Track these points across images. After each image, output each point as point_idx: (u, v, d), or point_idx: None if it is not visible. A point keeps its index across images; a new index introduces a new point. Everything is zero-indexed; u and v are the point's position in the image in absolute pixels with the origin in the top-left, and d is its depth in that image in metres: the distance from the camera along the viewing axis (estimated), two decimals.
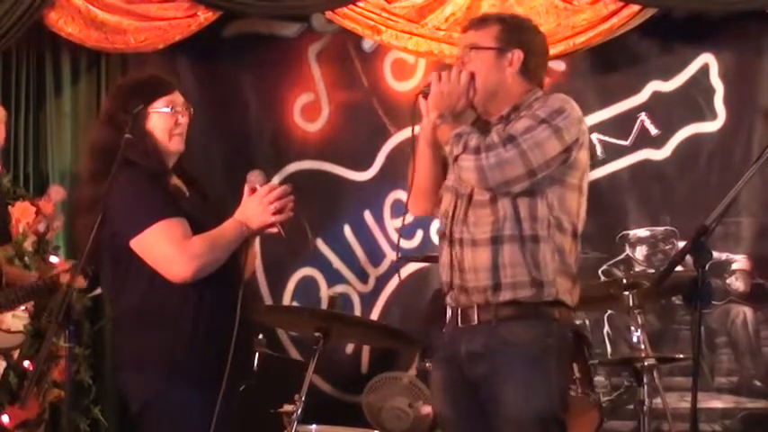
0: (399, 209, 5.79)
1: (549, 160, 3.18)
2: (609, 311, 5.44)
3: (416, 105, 3.37)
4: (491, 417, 3.21)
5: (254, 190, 3.38)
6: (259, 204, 3.34)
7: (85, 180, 3.44)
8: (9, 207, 4.93)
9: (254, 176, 3.41)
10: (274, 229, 3.38)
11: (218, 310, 3.33)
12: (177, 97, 3.48)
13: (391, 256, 5.77)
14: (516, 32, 3.34)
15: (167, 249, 3.25)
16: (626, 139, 5.58)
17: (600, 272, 5.50)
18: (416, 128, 3.43)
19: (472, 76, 3.29)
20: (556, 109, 3.23)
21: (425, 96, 3.33)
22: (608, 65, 5.63)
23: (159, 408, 3.28)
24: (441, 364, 3.41)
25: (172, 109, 3.44)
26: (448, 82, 3.28)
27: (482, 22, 3.40)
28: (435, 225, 5.73)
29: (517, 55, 3.31)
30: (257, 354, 4.56)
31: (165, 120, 3.44)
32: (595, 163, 5.41)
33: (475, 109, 3.35)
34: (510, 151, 3.14)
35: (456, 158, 3.20)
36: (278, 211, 3.36)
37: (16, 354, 5.10)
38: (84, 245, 3.17)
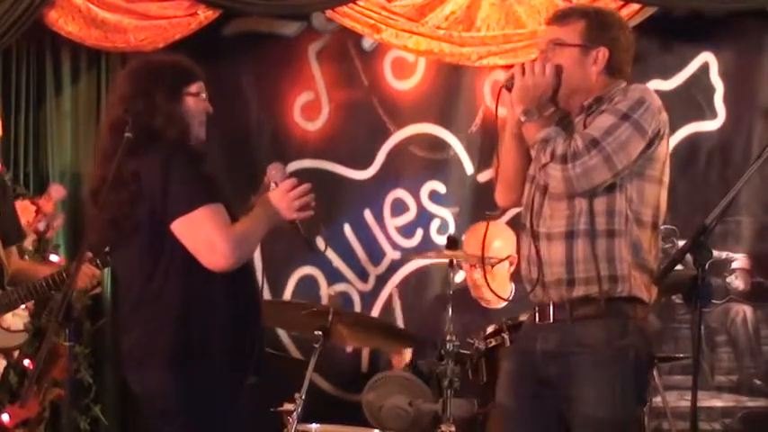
0: (399, 207, 5.80)
1: (634, 159, 3.17)
2: None
3: (498, 98, 3.33)
4: (564, 417, 3.19)
5: (276, 185, 3.31)
6: (283, 199, 3.28)
7: (106, 158, 3.25)
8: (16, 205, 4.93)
9: (275, 170, 3.35)
10: (303, 214, 3.30)
11: (245, 300, 3.28)
12: (202, 86, 3.42)
13: (391, 255, 5.77)
14: (602, 29, 3.27)
15: (213, 234, 3.11)
16: None
17: None
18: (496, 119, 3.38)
19: (558, 69, 3.23)
20: (636, 100, 3.19)
21: (509, 89, 3.27)
22: None
23: (188, 405, 3.18)
24: (514, 358, 3.41)
25: (202, 95, 3.39)
26: (532, 75, 3.21)
27: (566, 16, 3.32)
28: (435, 224, 5.76)
29: (602, 53, 3.25)
30: None
31: (198, 105, 3.38)
32: None
33: (557, 102, 3.29)
34: (595, 158, 3.11)
35: (543, 166, 3.17)
36: (301, 208, 3.31)
37: (16, 353, 5.10)
38: (100, 225, 3.12)
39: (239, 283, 3.24)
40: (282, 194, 3.29)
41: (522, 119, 3.23)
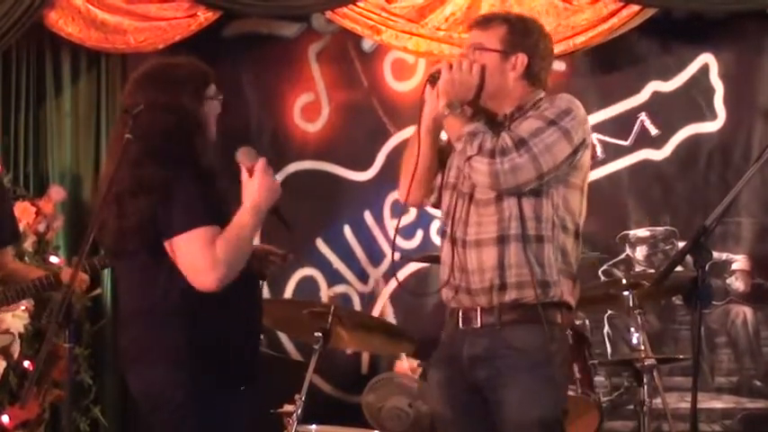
0: (399, 209, 5.79)
1: (559, 164, 3.18)
2: (609, 312, 5.44)
3: (423, 92, 3.34)
4: (493, 419, 3.20)
5: (250, 170, 3.24)
6: (263, 181, 3.23)
7: (143, 160, 3.19)
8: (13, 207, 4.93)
9: (245, 154, 3.24)
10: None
11: (243, 308, 3.27)
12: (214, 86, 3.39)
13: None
14: (522, 36, 3.31)
15: (196, 258, 3.12)
16: (626, 140, 5.58)
17: (600, 272, 5.50)
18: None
19: (483, 69, 3.26)
20: (563, 109, 3.22)
21: (433, 83, 3.30)
22: (608, 65, 5.63)
23: (186, 405, 3.19)
24: (440, 365, 3.40)
25: (218, 96, 3.35)
26: (460, 71, 3.25)
27: (488, 21, 3.37)
28: (436, 225, 5.76)
29: (521, 59, 3.28)
30: None
31: (215, 108, 3.34)
32: (595, 163, 5.41)
33: (477, 104, 3.31)
34: (523, 156, 3.13)
35: (469, 158, 3.19)
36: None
37: (16, 354, 5.10)
38: (117, 229, 3.12)
39: (240, 292, 3.24)
40: (261, 177, 3.23)
41: (446, 112, 3.25)
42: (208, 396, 3.18)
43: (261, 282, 3.42)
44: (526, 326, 3.19)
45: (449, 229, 3.31)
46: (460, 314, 3.29)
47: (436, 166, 3.40)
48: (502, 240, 3.20)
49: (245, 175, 3.26)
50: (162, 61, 3.44)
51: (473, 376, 3.23)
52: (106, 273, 5.31)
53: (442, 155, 3.39)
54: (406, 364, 5.08)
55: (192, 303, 3.17)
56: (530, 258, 3.17)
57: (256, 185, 3.23)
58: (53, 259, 5.30)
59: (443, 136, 3.39)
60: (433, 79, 3.31)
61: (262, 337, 4.66)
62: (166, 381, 3.18)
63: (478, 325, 3.24)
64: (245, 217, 3.21)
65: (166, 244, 3.16)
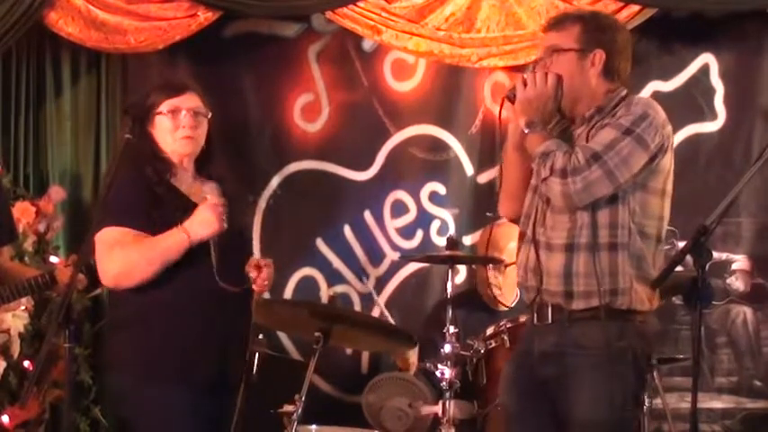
0: (399, 209, 5.79)
1: (636, 173, 3.16)
2: None
3: (500, 110, 3.33)
4: (558, 416, 3.19)
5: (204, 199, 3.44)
6: (213, 213, 3.40)
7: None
8: (11, 207, 4.93)
9: (213, 190, 3.50)
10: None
11: (188, 313, 3.34)
12: (184, 101, 3.48)
13: (391, 255, 5.77)
14: (597, 32, 3.28)
15: (98, 256, 3.37)
16: None
17: None
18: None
19: (559, 79, 3.23)
20: (639, 115, 3.20)
21: (511, 101, 3.28)
22: None
23: (134, 408, 3.28)
24: (514, 359, 3.42)
25: (173, 112, 3.44)
26: (534, 86, 3.22)
27: (561, 22, 3.34)
28: (435, 225, 5.76)
29: (599, 56, 3.26)
30: (257, 354, 4.55)
31: (166, 122, 3.44)
32: None
33: (562, 112, 3.29)
34: (596, 172, 3.11)
35: (544, 179, 3.17)
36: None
37: (16, 354, 5.10)
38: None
39: (185, 298, 3.32)
40: (213, 209, 3.41)
41: (526, 131, 3.23)
42: (155, 396, 3.24)
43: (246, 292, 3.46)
44: (593, 322, 3.16)
45: (529, 231, 3.29)
46: (536, 310, 3.29)
47: (530, 178, 3.35)
48: (570, 248, 3.19)
49: (204, 202, 3.43)
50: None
51: (542, 372, 3.23)
52: None
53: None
54: (414, 359, 5.07)
55: (142, 311, 3.27)
56: (597, 268, 3.14)
57: (205, 215, 3.40)
58: (53, 259, 5.30)
59: None
60: (510, 97, 3.28)
61: (260, 336, 4.71)
62: (118, 384, 3.27)
63: (549, 321, 3.23)
64: (169, 236, 3.38)
65: None
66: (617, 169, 3.12)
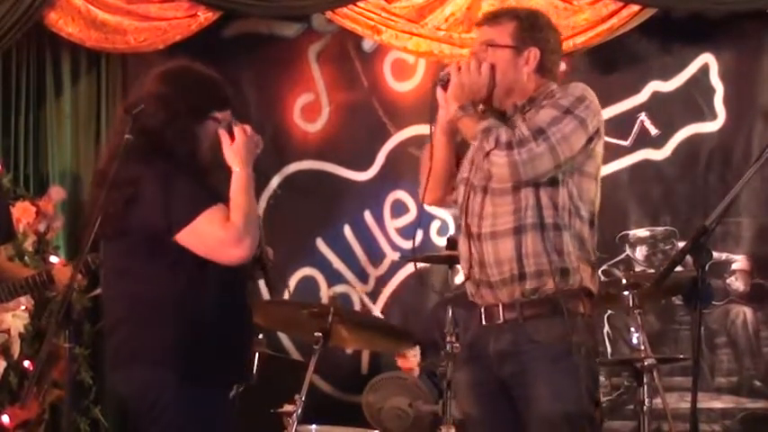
0: (399, 209, 5.80)
1: (576, 153, 3.18)
2: (609, 311, 5.43)
3: (433, 95, 3.34)
4: (522, 415, 3.19)
5: (230, 133, 3.27)
6: (243, 138, 3.26)
7: (111, 155, 3.24)
8: (10, 206, 4.93)
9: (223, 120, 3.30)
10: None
11: (232, 308, 3.28)
12: (229, 114, 3.40)
13: (391, 256, 5.77)
14: (532, 30, 3.30)
15: (218, 233, 3.15)
16: (626, 140, 5.58)
17: (600, 272, 5.49)
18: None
19: (493, 68, 3.26)
20: (578, 97, 3.22)
21: (443, 86, 3.30)
22: (608, 65, 5.63)
23: (175, 404, 3.20)
24: (468, 365, 3.38)
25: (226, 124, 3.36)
26: (468, 73, 3.24)
27: (497, 18, 3.35)
28: (436, 225, 5.77)
29: (534, 53, 3.28)
30: (257, 354, 4.56)
31: (211, 129, 3.30)
32: None
33: (490, 102, 3.32)
34: (541, 146, 3.12)
35: (487, 154, 3.18)
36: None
37: (16, 354, 5.11)
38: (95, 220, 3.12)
39: (229, 291, 3.26)
40: (242, 136, 3.26)
41: (459, 114, 3.25)
42: (196, 396, 3.19)
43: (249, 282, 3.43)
44: (547, 319, 3.17)
45: (463, 223, 3.30)
46: (483, 311, 3.28)
47: (454, 165, 3.39)
48: (519, 230, 3.19)
49: (225, 142, 3.27)
50: (188, 65, 3.48)
51: (501, 372, 3.22)
52: None
53: (459, 153, 3.39)
54: (415, 358, 5.07)
55: (181, 302, 3.19)
56: (547, 246, 3.17)
57: (238, 147, 3.26)
58: (53, 259, 5.30)
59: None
60: (442, 82, 3.30)
61: (260, 336, 4.71)
62: (153, 378, 3.19)
63: (501, 320, 3.23)
64: (240, 181, 3.24)
65: (179, 239, 3.16)
66: (559, 145, 3.14)
